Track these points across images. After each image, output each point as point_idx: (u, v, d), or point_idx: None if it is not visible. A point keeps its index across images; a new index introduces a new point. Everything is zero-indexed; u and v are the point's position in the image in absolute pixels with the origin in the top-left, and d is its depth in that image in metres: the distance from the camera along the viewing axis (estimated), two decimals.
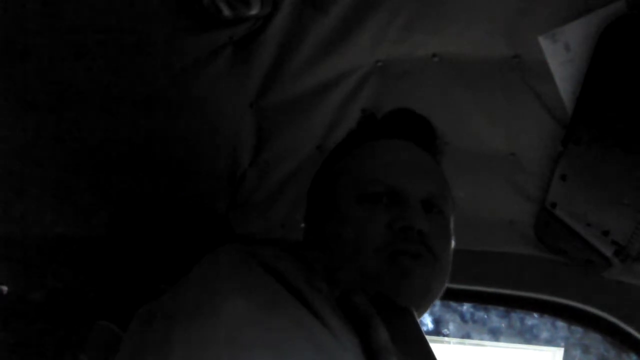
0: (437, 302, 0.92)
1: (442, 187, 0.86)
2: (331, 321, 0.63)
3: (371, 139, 0.89)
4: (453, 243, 0.86)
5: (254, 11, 1.00)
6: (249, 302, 0.59)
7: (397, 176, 0.82)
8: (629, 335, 1.26)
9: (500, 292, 1.35)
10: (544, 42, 0.99)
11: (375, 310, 0.69)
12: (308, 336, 0.59)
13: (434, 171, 0.88)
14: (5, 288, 1.22)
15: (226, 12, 0.99)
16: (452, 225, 0.87)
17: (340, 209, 0.82)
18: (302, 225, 0.91)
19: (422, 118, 0.92)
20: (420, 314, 0.80)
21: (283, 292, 0.63)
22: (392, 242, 0.77)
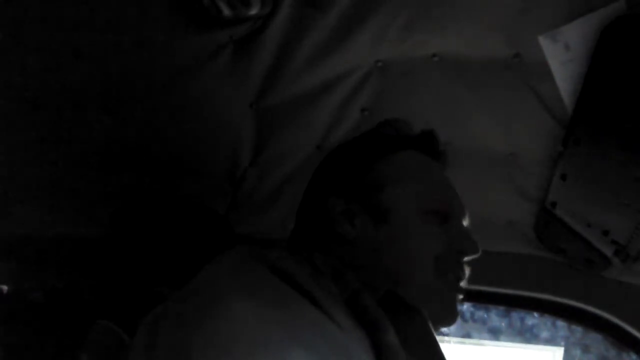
0: None
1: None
2: (340, 319, 0.63)
3: (406, 150, 0.89)
4: None
5: (254, 11, 1.00)
6: (255, 302, 0.59)
7: (454, 197, 0.86)
8: (629, 334, 1.26)
9: (500, 292, 1.35)
10: (544, 42, 0.99)
11: (386, 309, 0.69)
12: (323, 333, 0.59)
13: None
14: (5, 288, 1.22)
15: (226, 12, 0.99)
16: None
17: (397, 220, 0.82)
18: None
19: (432, 132, 0.93)
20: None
21: (289, 290, 0.63)
22: (451, 261, 0.80)
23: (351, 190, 0.85)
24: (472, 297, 1.39)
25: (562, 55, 0.98)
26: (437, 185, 0.86)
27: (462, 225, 0.83)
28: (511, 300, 1.37)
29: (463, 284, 0.80)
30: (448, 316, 0.79)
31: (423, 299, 0.76)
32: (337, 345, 0.59)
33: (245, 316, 0.57)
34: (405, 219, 0.81)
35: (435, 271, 0.78)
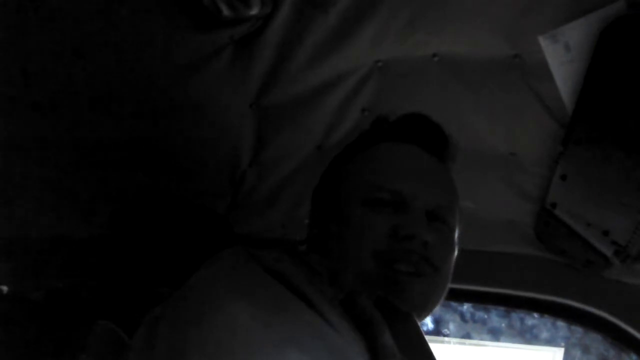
0: None
1: (449, 198, 0.85)
2: (336, 321, 0.63)
3: (381, 142, 0.88)
4: (455, 253, 0.85)
5: (254, 11, 1.00)
6: (251, 304, 0.59)
7: (404, 183, 0.81)
8: (629, 335, 1.26)
9: (500, 292, 1.35)
10: (544, 42, 0.99)
11: (379, 311, 0.69)
12: (318, 335, 0.59)
13: (443, 180, 0.87)
14: (5, 288, 1.22)
15: (226, 12, 0.99)
16: (456, 236, 0.86)
17: (344, 211, 0.81)
18: (306, 221, 0.91)
19: (435, 125, 0.91)
20: (420, 320, 0.79)
21: (285, 292, 0.63)
22: (393, 250, 0.76)
23: (328, 189, 0.88)
24: (472, 297, 1.39)
25: (562, 55, 0.99)
26: (388, 172, 0.83)
27: (415, 210, 0.79)
28: (511, 300, 1.37)
29: (405, 268, 0.76)
30: (398, 304, 0.75)
31: (366, 290, 0.73)
32: (333, 348, 0.59)
33: (242, 317, 0.57)
34: (347, 213, 0.80)
35: (375, 262, 0.76)
